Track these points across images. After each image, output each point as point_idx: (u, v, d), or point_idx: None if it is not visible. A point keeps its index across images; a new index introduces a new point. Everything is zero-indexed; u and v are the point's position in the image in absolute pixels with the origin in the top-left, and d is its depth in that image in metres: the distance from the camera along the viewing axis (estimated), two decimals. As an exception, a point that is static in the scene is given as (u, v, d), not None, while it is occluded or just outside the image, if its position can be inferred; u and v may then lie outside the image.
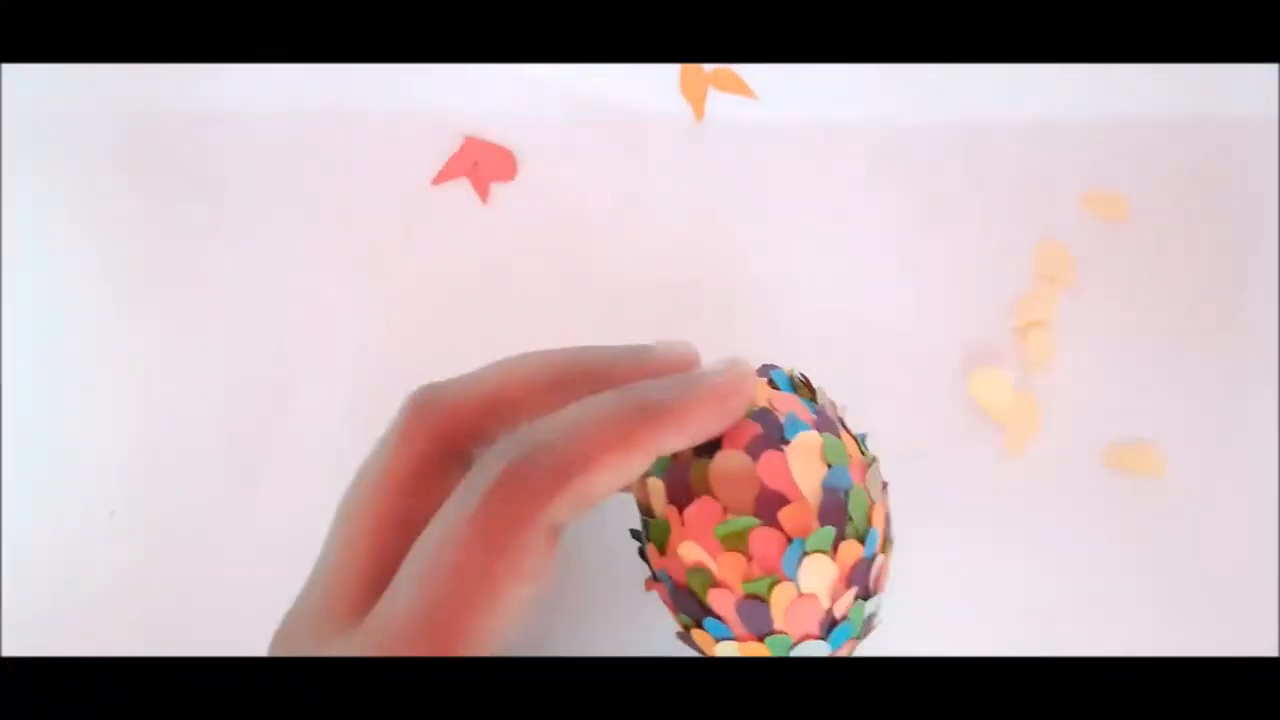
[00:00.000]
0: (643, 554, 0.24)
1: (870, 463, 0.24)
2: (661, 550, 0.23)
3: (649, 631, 0.28)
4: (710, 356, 0.34)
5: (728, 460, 0.22)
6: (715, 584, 0.21)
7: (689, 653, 0.24)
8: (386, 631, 0.18)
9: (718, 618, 0.21)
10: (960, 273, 0.36)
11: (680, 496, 0.22)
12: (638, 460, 0.20)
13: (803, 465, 0.22)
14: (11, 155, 0.38)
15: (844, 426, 0.25)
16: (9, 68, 0.40)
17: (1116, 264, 0.36)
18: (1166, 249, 0.36)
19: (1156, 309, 0.35)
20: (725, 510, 0.21)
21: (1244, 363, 0.34)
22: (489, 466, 0.19)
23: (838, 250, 0.36)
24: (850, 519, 0.22)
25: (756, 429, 0.22)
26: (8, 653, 0.31)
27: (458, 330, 0.35)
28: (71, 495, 0.33)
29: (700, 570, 0.21)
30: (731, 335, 0.35)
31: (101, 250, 0.37)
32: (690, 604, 0.22)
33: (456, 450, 0.22)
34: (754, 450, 0.22)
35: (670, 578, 0.22)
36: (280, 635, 0.21)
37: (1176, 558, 0.32)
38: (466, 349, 0.35)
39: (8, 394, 0.35)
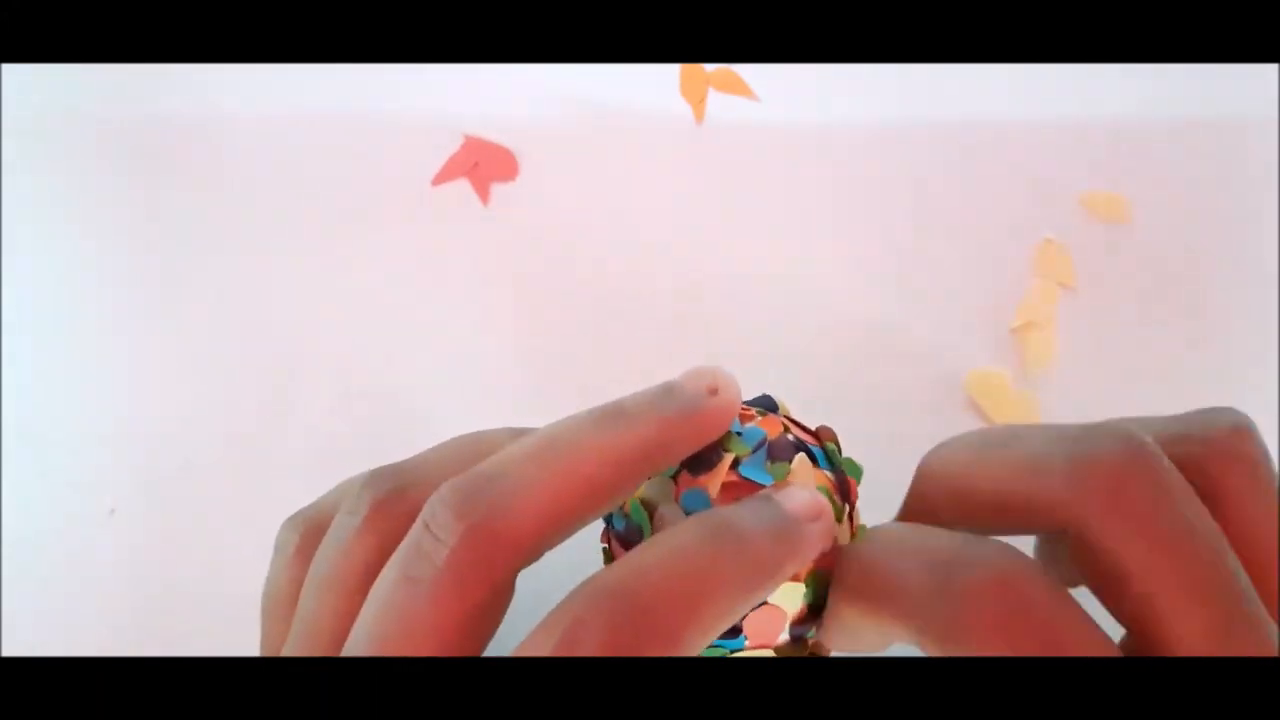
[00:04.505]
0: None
1: None
2: None
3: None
4: (708, 358, 0.34)
5: None
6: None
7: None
8: None
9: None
10: (960, 273, 0.36)
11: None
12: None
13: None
14: (11, 155, 0.38)
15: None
16: (9, 68, 0.40)
17: (1116, 264, 0.36)
18: (1166, 249, 0.36)
19: (1156, 309, 0.35)
20: None
21: (1243, 363, 0.34)
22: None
23: (837, 250, 0.36)
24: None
25: None
26: (8, 653, 0.31)
27: (458, 330, 0.35)
28: (71, 494, 0.33)
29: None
30: (731, 335, 0.35)
31: (101, 250, 0.37)
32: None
33: None
34: None
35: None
36: None
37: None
38: (466, 349, 0.35)
39: (8, 393, 0.35)
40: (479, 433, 0.22)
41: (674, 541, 0.18)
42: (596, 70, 0.39)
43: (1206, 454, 0.17)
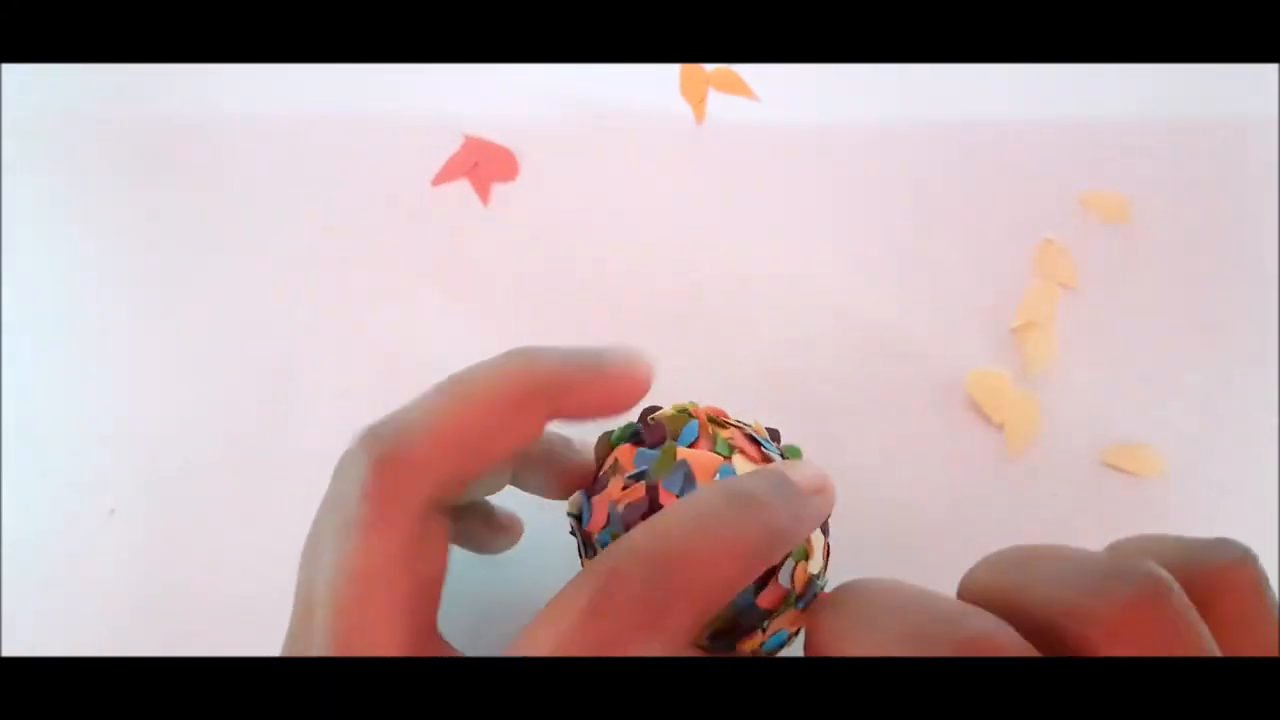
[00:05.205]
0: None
1: None
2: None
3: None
4: (708, 358, 0.35)
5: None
6: None
7: None
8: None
9: None
10: (960, 273, 0.36)
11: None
12: None
13: None
14: (11, 155, 0.38)
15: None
16: (9, 68, 0.40)
17: (1116, 264, 0.36)
18: (1166, 249, 0.36)
19: (1156, 309, 0.35)
20: None
21: (1243, 363, 0.34)
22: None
23: (838, 250, 0.36)
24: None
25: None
26: (8, 653, 0.31)
27: (458, 330, 0.35)
28: (71, 494, 0.33)
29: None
30: (731, 335, 0.35)
31: (101, 250, 0.37)
32: None
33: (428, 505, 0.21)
34: None
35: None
36: None
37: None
38: (467, 349, 0.35)
39: (8, 393, 0.35)
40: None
41: (695, 505, 0.20)
42: (596, 70, 0.39)
43: (1210, 582, 0.17)
